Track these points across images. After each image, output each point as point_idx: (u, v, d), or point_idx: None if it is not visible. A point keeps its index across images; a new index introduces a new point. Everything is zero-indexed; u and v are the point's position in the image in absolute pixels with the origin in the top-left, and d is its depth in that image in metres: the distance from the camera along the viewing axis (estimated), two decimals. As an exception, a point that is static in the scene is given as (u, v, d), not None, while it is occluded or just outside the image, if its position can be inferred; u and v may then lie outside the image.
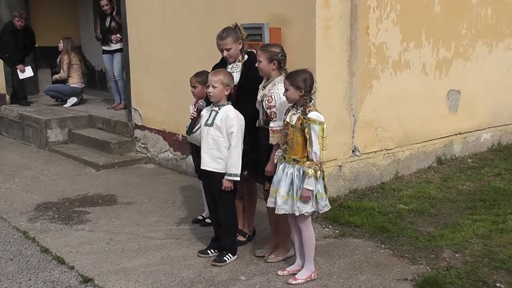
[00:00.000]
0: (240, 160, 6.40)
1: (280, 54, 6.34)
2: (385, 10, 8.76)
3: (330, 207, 6.13)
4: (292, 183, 5.97)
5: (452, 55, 9.96)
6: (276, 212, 6.10)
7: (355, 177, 8.77)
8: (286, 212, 6.06)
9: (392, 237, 7.17)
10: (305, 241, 6.15)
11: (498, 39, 10.80)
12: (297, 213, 5.99)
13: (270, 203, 6.17)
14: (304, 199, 5.91)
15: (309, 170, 5.81)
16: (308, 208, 5.95)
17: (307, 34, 8.00)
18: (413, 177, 9.43)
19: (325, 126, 5.82)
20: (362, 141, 8.81)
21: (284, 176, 6.01)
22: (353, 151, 8.73)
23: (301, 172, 5.90)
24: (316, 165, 5.82)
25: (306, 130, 5.80)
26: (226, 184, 6.43)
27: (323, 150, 5.81)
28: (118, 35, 13.69)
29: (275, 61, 6.31)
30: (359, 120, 8.70)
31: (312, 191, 5.88)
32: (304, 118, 5.82)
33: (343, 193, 8.57)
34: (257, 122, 6.55)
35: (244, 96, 6.65)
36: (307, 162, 5.86)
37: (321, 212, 6.14)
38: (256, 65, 6.38)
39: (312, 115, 5.80)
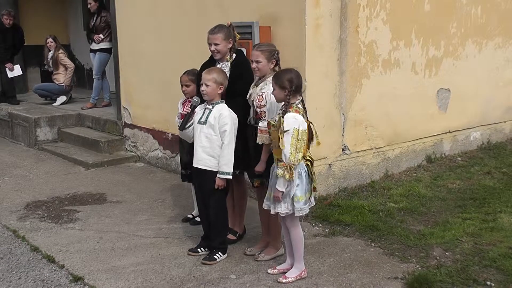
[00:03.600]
0: (233, 159, 6.41)
1: (277, 52, 6.39)
2: (375, 9, 8.77)
3: (306, 212, 6.03)
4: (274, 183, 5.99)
5: (441, 53, 9.98)
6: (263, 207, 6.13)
7: (345, 176, 8.78)
8: (267, 208, 6.11)
9: (382, 235, 7.18)
10: (293, 241, 6.15)
11: (487, 38, 10.83)
12: (272, 211, 6.04)
13: (264, 204, 6.19)
14: (275, 199, 5.93)
15: (278, 170, 5.80)
16: (282, 208, 5.95)
17: (297, 32, 8.00)
18: (403, 175, 9.44)
19: (300, 128, 5.77)
20: (352, 140, 8.82)
21: (271, 174, 6.05)
22: (343, 150, 8.74)
23: None
24: (286, 166, 5.77)
25: (280, 130, 5.77)
26: (218, 182, 6.43)
27: (296, 152, 5.75)
28: (100, 35, 13.72)
29: (274, 59, 6.34)
30: (349, 119, 8.70)
31: (281, 192, 5.86)
32: (281, 118, 5.82)
33: (333, 192, 8.58)
34: (248, 119, 6.56)
35: (235, 95, 6.64)
36: (279, 162, 5.85)
37: (296, 215, 6.02)
38: (253, 66, 6.36)
39: (288, 116, 5.77)
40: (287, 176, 5.77)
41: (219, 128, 6.38)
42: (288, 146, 5.73)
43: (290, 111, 5.81)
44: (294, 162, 5.75)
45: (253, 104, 6.46)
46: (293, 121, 5.75)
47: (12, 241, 7.39)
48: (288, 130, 5.72)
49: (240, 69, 6.73)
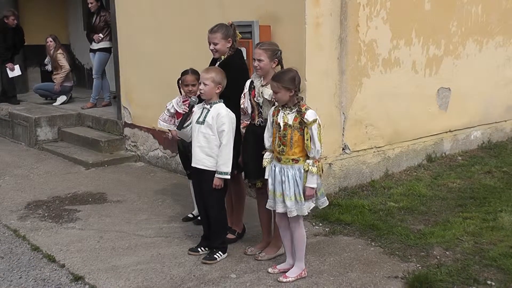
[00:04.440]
0: (231, 158, 6.40)
1: (280, 52, 6.37)
2: (375, 8, 8.76)
3: (327, 203, 6.15)
4: (295, 184, 5.95)
5: (442, 52, 9.97)
6: (289, 216, 6.02)
7: (345, 175, 8.78)
8: (297, 214, 6.02)
9: (383, 234, 7.18)
10: (296, 240, 6.14)
11: (488, 37, 10.82)
12: (306, 213, 6.02)
13: (278, 208, 6.04)
14: (308, 198, 5.93)
15: (313, 168, 5.82)
16: (311, 205, 6.02)
17: (297, 31, 7.99)
18: (403, 175, 9.43)
19: (320, 123, 5.86)
20: (352, 139, 8.81)
21: (285, 178, 5.96)
22: (343, 149, 8.73)
23: (301, 172, 5.89)
24: (318, 162, 5.85)
25: (306, 129, 5.79)
26: (216, 182, 6.43)
27: (321, 146, 5.85)
28: (100, 34, 13.72)
29: (276, 59, 6.33)
30: (349, 118, 8.69)
31: (314, 188, 5.90)
32: (301, 117, 5.81)
33: (333, 191, 8.57)
34: (257, 121, 6.51)
35: (223, 94, 6.62)
36: (309, 161, 5.85)
37: (320, 208, 6.19)
38: (255, 64, 6.34)
39: (310, 113, 5.82)
40: (321, 172, 5.91)
41: (217, 128, 6.38)
42: (318, 142, 5.81)
43: (308, 109, 5.86)
44: (322, 157, 5.87)
45: (261, 104, 6.42)
46: (315, 117, 5.84)
47: (12, 240, 7.40)
48: (315, 126, 5.82)
49: (225, 70, 6.70)
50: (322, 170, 5.95)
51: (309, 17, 7.95)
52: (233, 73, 6.67)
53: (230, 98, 6.58)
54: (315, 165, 5.83)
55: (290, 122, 5.87)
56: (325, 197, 6.13)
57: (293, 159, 5.92)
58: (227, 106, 6.52)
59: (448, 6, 9.95)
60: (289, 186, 5.95)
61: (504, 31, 11.09)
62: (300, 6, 7.91)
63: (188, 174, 7.76)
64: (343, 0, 8.33)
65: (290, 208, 5.96)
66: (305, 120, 5.80)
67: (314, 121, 5.80)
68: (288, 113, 5.91)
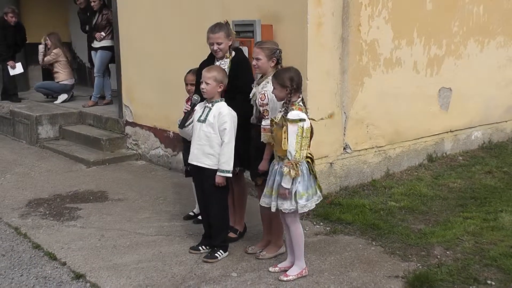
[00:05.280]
0: (233, 157, 6.42)
1: (278, 51, 6.38)
2: (377, 8, 8.77)
3: (310, 208, 6.06)
4: (274, 178, 6.02)
5: (443, 52, 9.98)
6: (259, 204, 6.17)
7: (346, 174, 8.79)
8: (266, 206, 6.13)
9: (383, 234, 7.19)
10: (292, 238, 6.17)
11: (489, 37, 10.82)
12: (273, 209, 6.04)
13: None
14: (281, 196, 5.94)
15: (284, 168, 5.80)
16: (287, 206, 5.95)
17: (299, 31, 8.00)
18: (404, 174, 9.45)
19: (305, 125, 5.80)
20: (353, 139, 8.82)
21: (272, 172, 6.06)
22: (344, 148, 8.74)
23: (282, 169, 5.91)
24: (292, 164, 5.78)
25: (284, 128, 5.79)
26: (218, 180, 6.44)
27: (301, 150, 5.77)
28: (102, 33, 13.72)
29: (274, 58, 6.34)
30: (350, 118, 8.70)
31: (287, 189, 5.87)
32: (285, 116, 5.83)
33: (334, 190, 8.58)
34: (251, 118, 6.58)
35: (234, 93, 6.66)
36: (284, 160, 5.85)
37: (299, 212, 6.06)
38: (254, 63, 6.39)
39: (291, 114, 5.80)
40: (293, 174, 5.78)
41: (218, 127, 6.39)
42: (294, 144, 5.75)
43: (293, 109, 5.83)
44: (299, 160, 5.78)
45: (255, 103, 6.47)
46: (297, 118, 5.78)
47: (14, 238, 7.41)
48: (293, 128, 5.74)
49: (240, 66, 6.77)
50: (296, 173, 5.78)
51: (311, 16, 7.96)
52: (248, 68, 6.77)
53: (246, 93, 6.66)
54: (287, 166, 5.79)
55: (277, 120, 5.89)
56: (308, 203, 5.99)
57: (279, 156, 5.97)
58: (245, 101, 6.61)
59: (449, 6, 9.96)
60: (268, 179, 6.10)
61: (505, 31, 11.10)
62: (302, 6, 7.92)
63: (187, 170, 7.76)
64: (345, 0, 8.34)
65: (262, 198, 6.18)
66: (286, 118, 5.80)
67: (294, 121, 5.76)
68: (280, 111, 5.93)
